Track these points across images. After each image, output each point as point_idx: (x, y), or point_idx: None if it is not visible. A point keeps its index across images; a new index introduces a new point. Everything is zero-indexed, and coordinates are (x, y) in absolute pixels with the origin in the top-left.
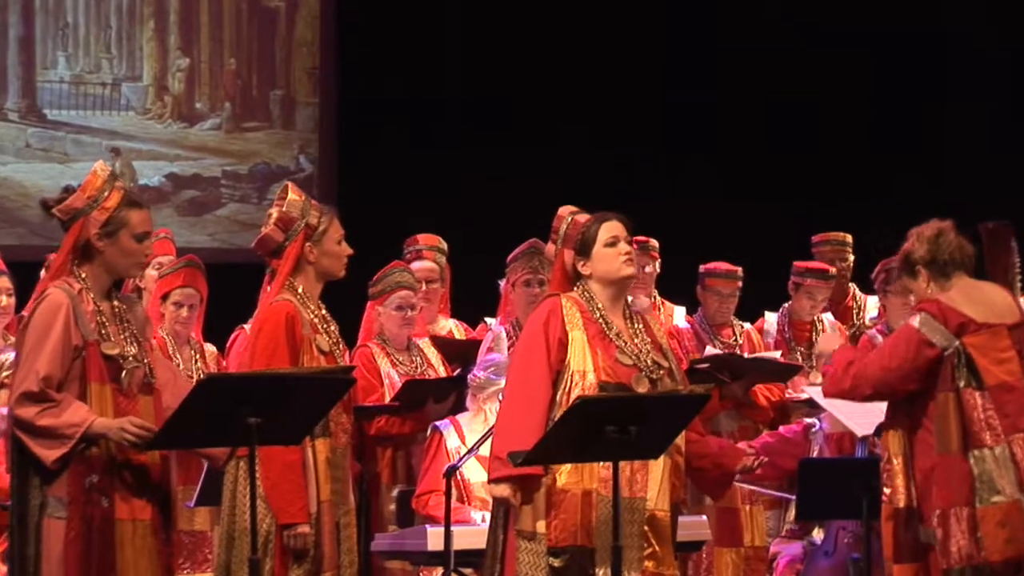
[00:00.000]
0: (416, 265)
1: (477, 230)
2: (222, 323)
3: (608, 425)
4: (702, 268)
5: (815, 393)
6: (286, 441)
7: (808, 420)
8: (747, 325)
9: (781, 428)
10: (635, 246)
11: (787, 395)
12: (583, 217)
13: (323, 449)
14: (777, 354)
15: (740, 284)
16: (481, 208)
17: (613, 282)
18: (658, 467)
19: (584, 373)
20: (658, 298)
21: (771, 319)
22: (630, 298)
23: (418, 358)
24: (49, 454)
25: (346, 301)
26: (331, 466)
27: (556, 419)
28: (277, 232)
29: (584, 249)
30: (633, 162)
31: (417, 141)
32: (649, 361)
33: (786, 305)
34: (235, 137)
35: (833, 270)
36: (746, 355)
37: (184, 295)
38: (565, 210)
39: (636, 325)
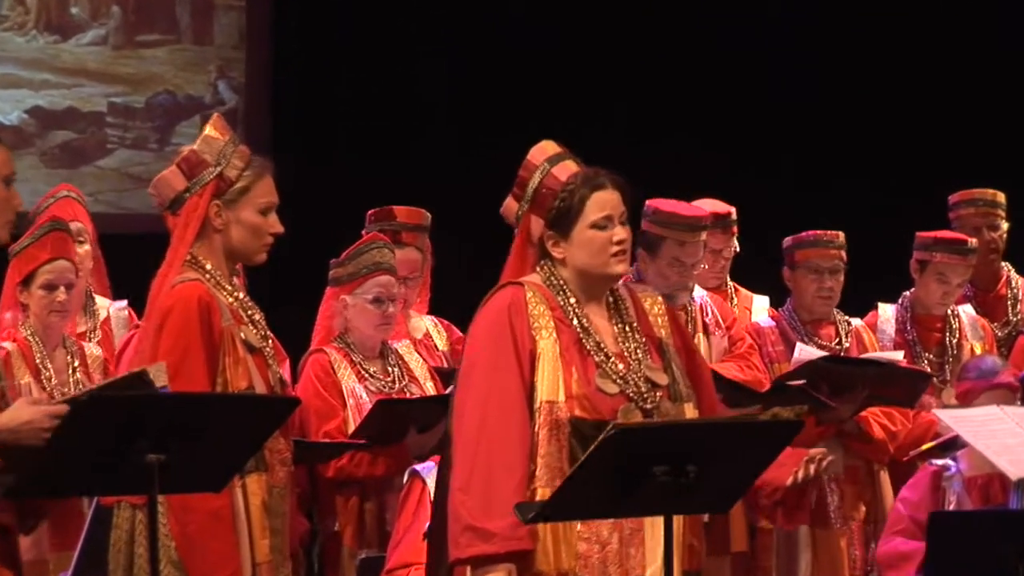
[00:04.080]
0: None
1: (471, 195)
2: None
3: (656, 465)
4: (789, 240)
5: (951, 418)
6: (201, 486)
7: (939, 462)
8: (856, 321)
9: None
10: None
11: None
12: (564, 171)
13: (257, 489)
14: (899, 355)
15: (845, 256)
16: (474, 168)
17: (595, 278)
18: (659, 527)
19: (553, 404)
20: (731, 284)
21: (887, 312)
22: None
23: (396, 369)
24: None
25: (279, 293)
26: (269, 513)
27: (582, 458)
28: (177, 176)
29: (561, 224)
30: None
31: (387, 64)
32: (641, 382)
33: (907, 293)
34: (126, 55)
35: (975, 242)
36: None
37: (56, 272)
38: (539, 153)
39: (624, 320)
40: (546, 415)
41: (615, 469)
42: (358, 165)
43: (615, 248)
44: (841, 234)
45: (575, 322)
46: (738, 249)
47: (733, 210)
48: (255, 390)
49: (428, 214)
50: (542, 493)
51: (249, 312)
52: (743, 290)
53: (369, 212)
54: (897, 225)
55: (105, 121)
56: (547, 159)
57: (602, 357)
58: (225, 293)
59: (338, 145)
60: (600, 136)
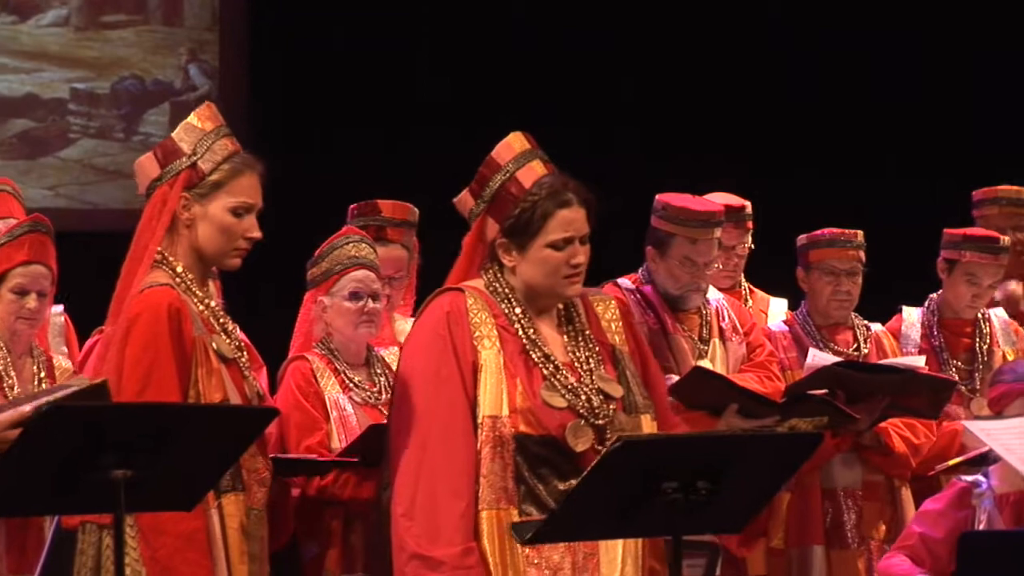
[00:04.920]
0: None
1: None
2: (74, 325)
3: (665, 481)
4: (803, 238)
5: (981, 431)
6: (171, 504)
7: (968, 478)
8: (876, 326)
9: (928, 503)
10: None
11: (934, 468)
12: (530, 176)
13: (234, 511)
14: (920, 361)
15: (863, 257)
16: (467, 161)
17: (545, 295)
18: (614, 551)
19: (496, 420)
20: (746, 285)
21: (912, 316)
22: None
23: (383, 378)
24: None
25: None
26: (247, 537)
27: (585, 473)
28: (152, 162)
29: (517, 235)
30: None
31: (376, 48)
32: (593, 395)
33: (934, 296)
34: (90, 38)
35: (1006, 239)
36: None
37: (30, 276)
38: (505, 151)
39: (576, 327)
40: (489, 431)
41: (619, 485)
42: (344, 157)
43: (570, 271)
44: (860, 233)
45: (520, 331)
46: (752, 246)
47: (748, 204)
48: (230, 403)
49: (415, 209)
50: (487, 516)
51: (221, 320)
52: (759, 292)
53: (351, 206)
54: (923, 222)
55: (67, 109)
56: (513, 159)
57: (550, 368)
58: (196, 300)
59: (322, 135)
60: (610, 127)
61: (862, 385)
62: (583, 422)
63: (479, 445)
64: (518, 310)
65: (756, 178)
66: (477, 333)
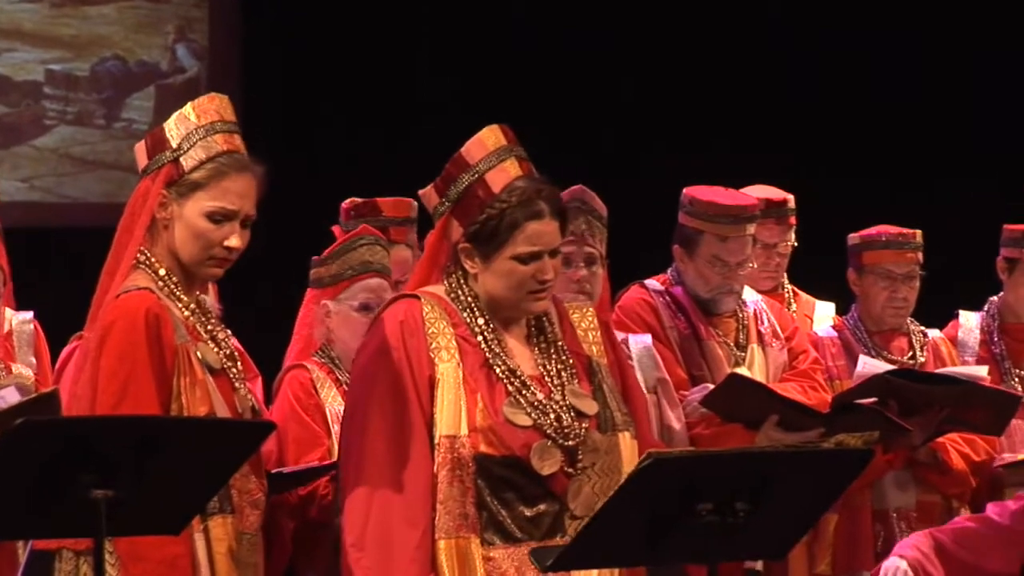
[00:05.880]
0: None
1: None
2: (48, 329)
3: (700, 502)
4: (856, 237)
5: None
6: (157, 527)
7: None
8: (933, 332)
9: (989, 508)
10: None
11: (1000, 457)
12: (500, 179)
13: (223, 534)
14: (982, 371)
15: (921, 259)
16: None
17: (508, 309)
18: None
19: (453, 440)
20: (789, 287)
21: (970, 321)
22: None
23: None
24: None
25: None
26: (236, 563)
27: (612, 494)
28: (142, 151)
29: (481, 243)
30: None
31: (380, 28)
32: (562, 412)
33: (994, 299)
34: (68, 15)
35: None
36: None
37: None
38: (476, 148)
39: (547, 338)
40: (446, 452)
41: (649, 507)
42: (344, 148)
43: (536, 286)
44: (918, 233)
45: (483, 343)
46: (795, 244)
47: (791, 198)
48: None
49: (415, 203)
50: (445, 546)
51: (209, 328)
52: (803, 294)
53: (344, 205)
54: (982, 219)
55: (42, 92)
56: (484, 158)
57: (516, 383)
58: (180, 305)
59: (321, 124)
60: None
61: (918, 396)
62: (550, 442)
63: (435, 468)
64: (480, 320)
65: (800, 172)
66: (434, 345)
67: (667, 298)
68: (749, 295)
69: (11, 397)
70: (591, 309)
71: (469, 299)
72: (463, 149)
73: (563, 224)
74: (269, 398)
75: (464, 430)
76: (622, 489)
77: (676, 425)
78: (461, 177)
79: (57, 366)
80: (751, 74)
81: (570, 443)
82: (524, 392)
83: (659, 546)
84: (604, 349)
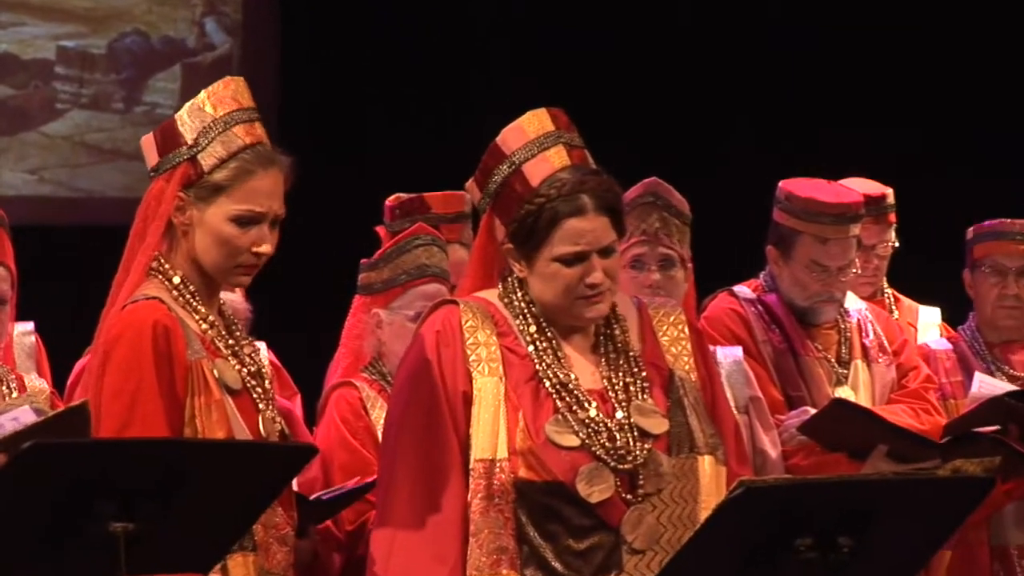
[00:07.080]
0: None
1: None
2: (60, 341)
3: (798, 536)
4: (971, 231)
5: None
6: (182, 565)
7: None
8: None
9: None
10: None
11: None
12: (540, 171)
13: (243, 573)
14: None
15: None
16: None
17: (563, 316)
18: None
19: (490, 464)
20: (890, 292)
21: None
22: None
23: None
24: None
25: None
26: None
27: (699, 528)
28: (152, 147)
29: (523, 242)
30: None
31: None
32: (620, 431)
33: None
34: None
35: None
36: None
37: None
38: (514, 136)
39: (617, 347)
40: (480, 478)
41: (741, 543)
42: (391, 138)
43: (586, 291)
44: None
45: (533, 353)
46: (896, 244)
47: (890, 192)
48: None
49: (467, 196)
50: None
51: (231, 342)
52: (905, 300)
53: (389, 202)
54: None
55: (54, 73)
56: (523, 147)
57: (568, 399)
58: (198, 317)
59: (367, 112)
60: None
61: None
62: (600, 465)
63: (469, 496)
64: (533, 328)
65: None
66: (473, 356)
67: (760, 307)
68: (852, 303)
69: (25, 418)
70: (679, 314)
71: (523, 305)
72: (499, 137)
73: (616, 220)
74: (312, 419)
75: (503, 453)
76: (709, 522)
77: (771, 451)
78: (498, 168)
79: (70, 381)
80: (847, 58)
81: (626, 466)
82: (575, 409)
83: None
84: (695, 362)
